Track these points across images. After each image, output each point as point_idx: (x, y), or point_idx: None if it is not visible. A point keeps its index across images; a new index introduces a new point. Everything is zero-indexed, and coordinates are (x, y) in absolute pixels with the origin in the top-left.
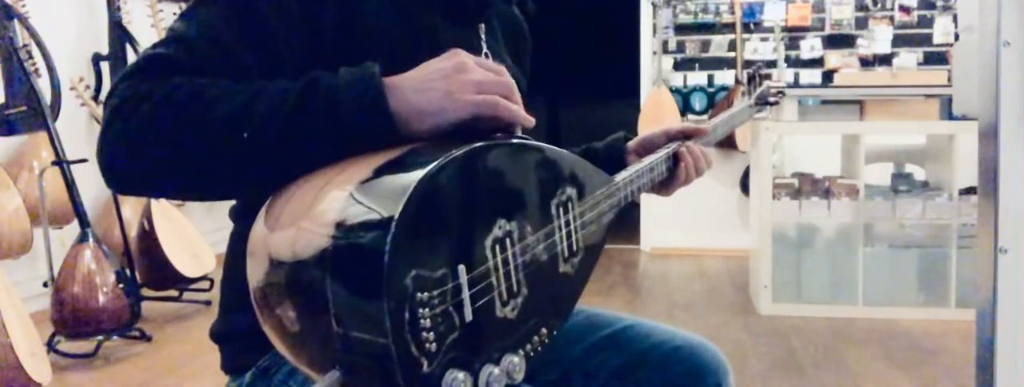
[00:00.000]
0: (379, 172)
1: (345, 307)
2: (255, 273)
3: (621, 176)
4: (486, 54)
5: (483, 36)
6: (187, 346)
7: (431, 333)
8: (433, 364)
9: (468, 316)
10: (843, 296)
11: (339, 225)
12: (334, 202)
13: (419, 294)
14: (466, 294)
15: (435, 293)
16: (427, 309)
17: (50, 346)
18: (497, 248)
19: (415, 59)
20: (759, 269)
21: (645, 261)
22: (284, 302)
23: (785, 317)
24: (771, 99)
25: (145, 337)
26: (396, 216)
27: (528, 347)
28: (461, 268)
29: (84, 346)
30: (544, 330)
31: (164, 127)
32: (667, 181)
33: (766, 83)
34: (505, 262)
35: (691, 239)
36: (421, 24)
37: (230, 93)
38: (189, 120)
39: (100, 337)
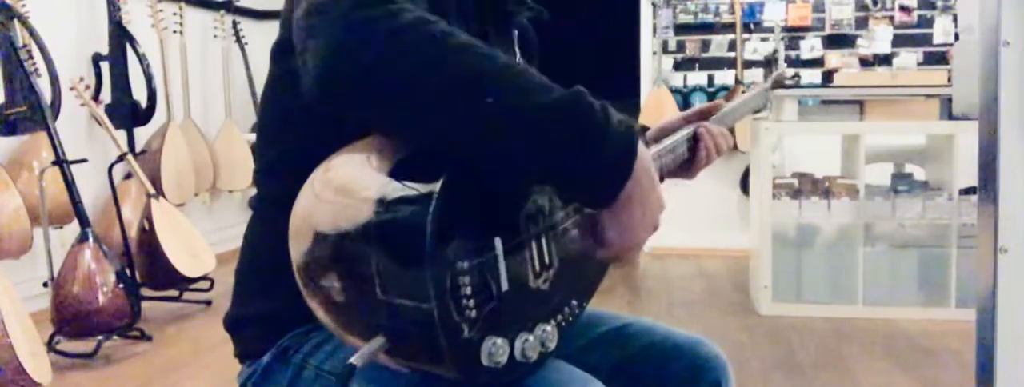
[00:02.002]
0: (420, 148)
1: (390, 275)
2: (300, 247)
3: None
4: (519, 62)
5: (516, 45)
6: (187, 346)
7: (471, 300)
8: (473, 330)
9: (504, 286)
10: (843, 296)
11: (383, 198)
12: (377, 175)
13: (460, 263)
14: (502, 265)
15: (474, 262)
16: (467, 277)
17: (50, 346)
18: (530, 222)
19: None
20: (759, 269)
21: (645, 261)
22: (330, 273)
23: (785, 317)
24: (788, 82)
25: (145, 337)
26: (438, 188)
27: (560, 317)
28: (497, 240)
29: (84, 346)
30: (574, 302)
31: (424, 51)
32: (688, 163)
33: (782, 67)
34: (538, 235)
35: (691, 239)
36: (476, 31)
37: (493, 54)
38: (448, 57)
39: (100, 337)
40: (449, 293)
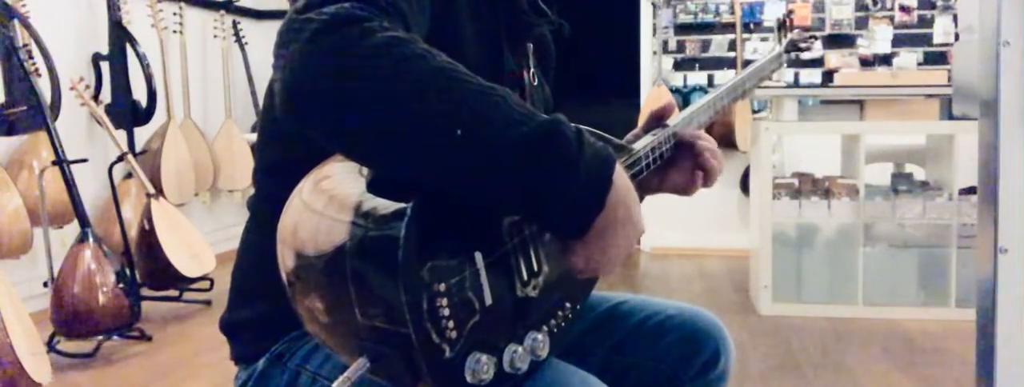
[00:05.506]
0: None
1: (366, 300)
2: (286, 258)
3: None
4: (534, 74)
5: (531, 57)
6: (187, 346)
7: (450, 321)
8: (455, 349)
9: (488, 300)
10: (843, 296)
11: (357, 220)
12: (359, 189)
13: (436, 284)
14: (485, 279)
15: (452, 281)
16: (445, 298)
17: (50, 346)
18: (515, 229)
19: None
20: (759, 269)
21: (645, 261)
22: (312, 294)
23: (785, 317)
24: (802, 45)
25: (145, 337)
26: (408, 212)
27: (552, 323)
28: (478, 255)
29: (84, 346)
30: (567, 304)
31: (386, 82)
32: (662, 181)
33: (797, 29)
34: (523, 243)
35: (691, 239)
36: (491, 42)
37: (466, 79)
38: (415, 88)
39: (100, 337)
40: (427, 315)
